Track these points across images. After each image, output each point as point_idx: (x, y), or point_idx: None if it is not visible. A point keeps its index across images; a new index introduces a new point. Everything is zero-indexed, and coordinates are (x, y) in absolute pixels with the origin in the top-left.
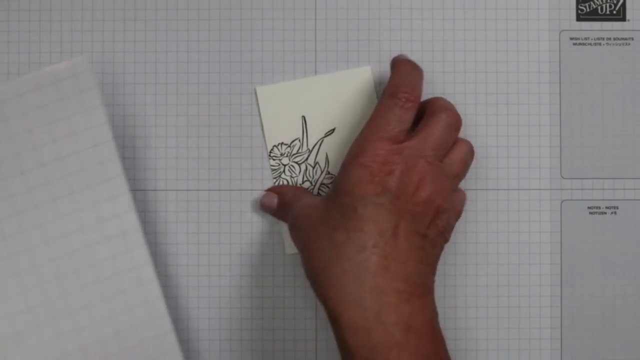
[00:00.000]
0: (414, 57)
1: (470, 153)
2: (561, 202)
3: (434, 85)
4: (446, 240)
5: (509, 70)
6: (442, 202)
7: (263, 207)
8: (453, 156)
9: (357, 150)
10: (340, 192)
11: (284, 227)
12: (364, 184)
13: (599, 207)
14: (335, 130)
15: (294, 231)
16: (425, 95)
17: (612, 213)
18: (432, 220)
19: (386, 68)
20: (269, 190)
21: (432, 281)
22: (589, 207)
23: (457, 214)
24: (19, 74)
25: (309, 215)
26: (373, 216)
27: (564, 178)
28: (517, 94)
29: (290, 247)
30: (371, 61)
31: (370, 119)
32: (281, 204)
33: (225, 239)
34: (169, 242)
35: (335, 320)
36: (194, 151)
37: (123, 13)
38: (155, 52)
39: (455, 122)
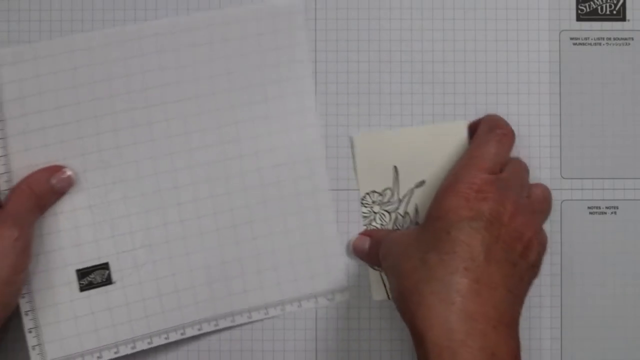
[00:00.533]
0: (414, 57)
1: (549, 192)
2: (561, 202)
3: (435, 85)
4: (535, 275)
5: (509, 70)
6: (533, 235)
7: (355, 249)
8: (537, 193)
9: (452, 179)
10: (434, 218)
11: (371, 272)
12: (458, 209)
13: (599, 207)
14: (426, 183)
15: (385, 258)
16: (425, 98)
17: (612, 213)
18: (523, 251)
19: (387, 69)
20: (362, 234)
21: (519, 313)
22: (589, 207)
23: (543, 252)
24: None
25: (401, 241)
26: (466, 240)
27: (564, 178)
28: (517, 94)
29: (378, 293)
30: (371, 61)
31: (468, 150)
32: (373, 245)
33: None
34: None
35: (420, 340)
36: None
37: (123, 13)
38: None
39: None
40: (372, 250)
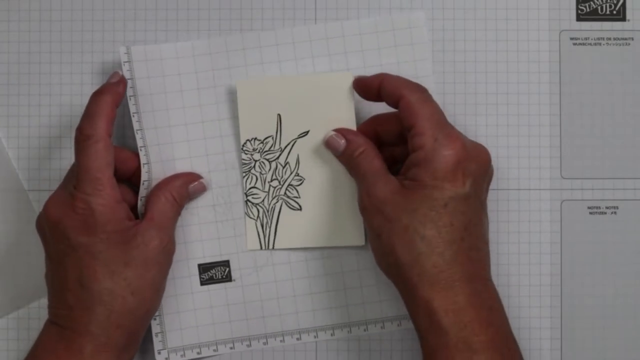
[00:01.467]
0: None
1: None
2: (561, 202)
3: (435, 85)
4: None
5: (509, 70)
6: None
7: (327, 145)
8: None
9: (450, 138)
10: (429, 186)
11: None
12: (455, 180)
13: (599, 207)
14: (309, 133)
15: (374, 216)
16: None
17: (612, 213)
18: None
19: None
20: (337, 131)
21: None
22: (589, 207)
23: None
24: (19, 74)
25: (392, 203)
26: (462, 210)
27: (564, 178)
28: (517, 94)
29: (251, 244)
30: None
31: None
32: (348, 154)
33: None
34: None
35: (426, 305)
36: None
37: (123, 13)
38: None
39: None
40: (347, 153)
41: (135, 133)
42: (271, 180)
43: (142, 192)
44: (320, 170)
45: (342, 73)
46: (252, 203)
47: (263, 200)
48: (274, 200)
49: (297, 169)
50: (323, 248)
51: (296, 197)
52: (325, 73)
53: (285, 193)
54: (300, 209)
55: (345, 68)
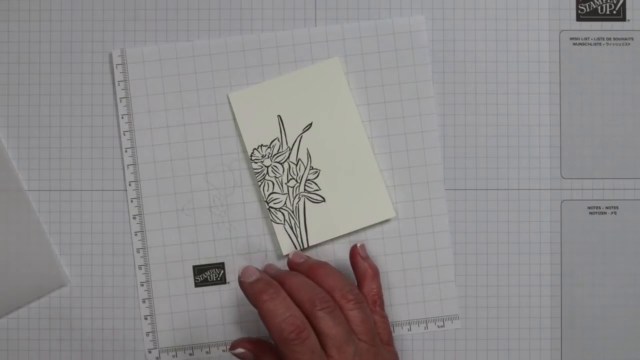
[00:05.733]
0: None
1: None
2: (561, 202)
3: (435, 85)
4: None
5: (509, 70)
6: None
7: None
8: None
9: None
10: None
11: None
12: None
13: (599, 207)
14: (313, 125)
15: None
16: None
17: (612, 213)
18: None
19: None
20: (237, 342)
21: None
22: (589, 207)
23: None
24: (19, 74)
25: None
26: None
27: (564, 178)
28: (517, 94)
29: (285, 248)
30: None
31: None
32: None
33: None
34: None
35: None
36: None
37: (123, 13)
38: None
39: None
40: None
41: (122, 134)
42: (288, 181)
43: (131, 193)
44: (333, 156)
45: (330, 60)
46: (275, 208)
47: (285, 203)
48: (296, 200)
49: (310, 162)
50: (318, 245)
51: (317, 190)
52: (313, 64)
53: (304, 189)
54: (324, 200)
55: (345, 71)
